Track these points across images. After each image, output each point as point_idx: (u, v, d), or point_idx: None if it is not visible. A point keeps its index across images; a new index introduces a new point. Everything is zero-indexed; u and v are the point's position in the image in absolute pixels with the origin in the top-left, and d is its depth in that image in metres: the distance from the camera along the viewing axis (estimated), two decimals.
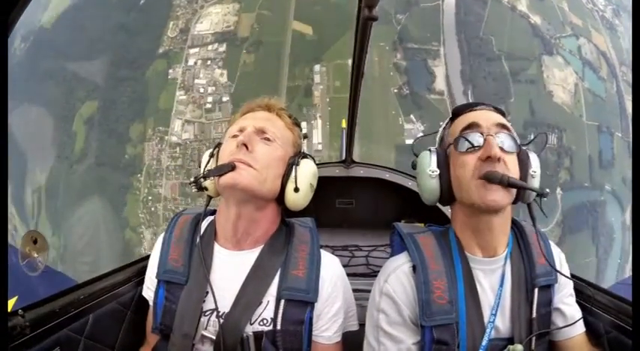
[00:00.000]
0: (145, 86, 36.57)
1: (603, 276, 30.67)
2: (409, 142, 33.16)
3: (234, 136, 1.76)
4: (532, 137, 1.87)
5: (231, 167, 1.62)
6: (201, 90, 36.48)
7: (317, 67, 36.30)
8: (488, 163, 1.58)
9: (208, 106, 35.98)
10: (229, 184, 1.63)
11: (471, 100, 32.99)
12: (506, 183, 1.53)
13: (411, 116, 34.47)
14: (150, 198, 34.45)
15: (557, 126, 33.24)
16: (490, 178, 1.54)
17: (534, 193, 1.66)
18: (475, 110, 1.77)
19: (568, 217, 31.47)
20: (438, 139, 1.91)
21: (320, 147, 33.85)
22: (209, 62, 37.02)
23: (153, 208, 34.48)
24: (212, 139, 34.73)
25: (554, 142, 32.74)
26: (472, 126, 1.68)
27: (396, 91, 35.24)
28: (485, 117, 1.71)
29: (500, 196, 1.56)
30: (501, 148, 1.60)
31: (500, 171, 1.56)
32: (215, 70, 36.81)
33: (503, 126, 1.68)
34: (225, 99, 35.92)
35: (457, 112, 1.82)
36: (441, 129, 1.90)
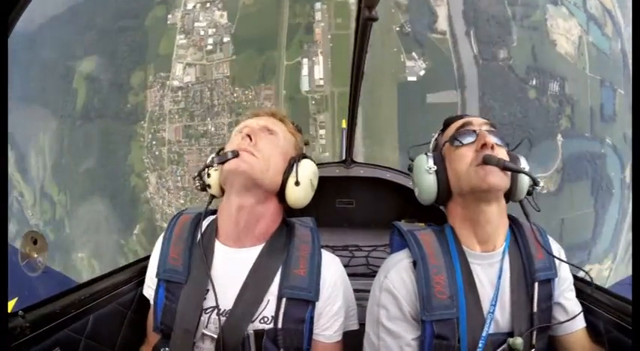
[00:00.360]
0: (144, 34, 35.91)
1: (601, 230, 30.90)
2: (411, 79, 33.31)
3: (240, 132, 1.78)
4: (518, 143, 1.90)
5: (234, 155, 1.65)
6: (202, 33, 35.90)
7: (318, 5, 35.52)
8: (483, 151, 1.64)
9: (209, 47, 35.54)
10: (232, 168, 1.65)
11: (473, 42, 32.85)
12: (502, 165, 1.59)
13: (413, 54, 33.99)
14: (154, 143, 34.61)
15: (559, 75, 32.57)
16: (488, 161, 1.60)
17: (525, 191, 1.74)
18: (465, 117, 1.84)
19: (568, 165, 31.40)
20: (431, 146, 1.96)
21: (322, 82, 33.87)
22: (208, 5, 36.20)
23: (157, 152, 34.71)
24: (214, 80, 34.69)
25: (555, 89, 32.26)
26: (465, 125, 1.77)
27: (397, 29, 34.49)
28: (476, 119, 1.80)
29: (499, 178, 1.61)
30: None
31: (498, 155, 1.63)
32: (215, 12, 36.00)
33: (492, 126, 1.78)
34: (226, 39, 35.43)
35: (448, 122, 1.89)
36: (433, 140, 1.97)
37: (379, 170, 3.51)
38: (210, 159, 1.80)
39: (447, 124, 1.89)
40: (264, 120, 1.85)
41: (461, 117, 1.85)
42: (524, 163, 1.75)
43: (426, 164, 1.77)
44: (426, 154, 1.82)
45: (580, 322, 1.75)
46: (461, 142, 1.71)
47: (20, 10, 0.99)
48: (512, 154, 1.76)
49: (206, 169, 1.78)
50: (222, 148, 1.82)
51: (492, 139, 1.66)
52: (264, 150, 1.71)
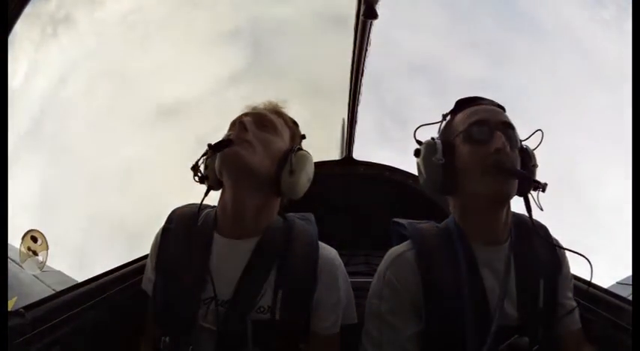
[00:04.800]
0: None
1: None
2: None
3: (234, 126, 1.76)
4: (530, 134, 1.76)
5: (229, 142, 1.62)
6: None
7: None
8: (495, 154, 1.55)
9: None
10: (227, 155, 1.62)
11: None
12: (514, 173, 1.53)
13: None
14: None
15: None
16: (500, 168, 1.52)
17: (531, 187, 1.64)
18: (480, 105, 1.73)
19: None
20: (440, 129, 1.84)
21: None
22: None
23: None
24: None
25: None
26: (480, 122, 1.64)
27: None
28: (492, 114, 1.68)
29: (508, 185, 1.55)
30: (507, 143, 1.57)
31: (508, 161, 1.54)
32: None
33: (508, 125, 1.66)
34: None
35: (461, 105, 1.78)
36: (443, 122, 1.85)
37: (379, 168, 3.51)
38: (206, 160, 1.75)
39: (460, 105, 1.79)
40: (259, 111, 1.81)
41: (476, 102, 1.76)
42: (534, 158, 1.67)
43: (434, 154, 1.67)
44: (434, 140, 1.73)
45: (577, 323, 1.71)
46: (473, 141, 1.62)
47: (20, 10, 0.99)
48: (524, 149, 1.68)
49: (202, 159, 1.73)
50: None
51: (507, 146, 1.56)
52: (259, 139, 1.67)
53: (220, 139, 1.68)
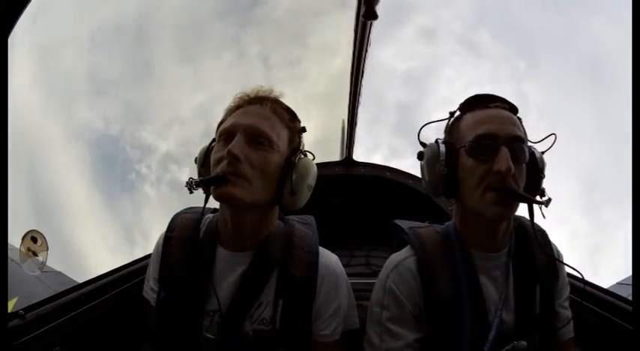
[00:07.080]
0: None
1: None
2: None
3: (225, 139, 1.59)
4: (542, 138, 1.67)
5: (221, 180, 1.50)
6: None
7: None
8: (498, 175, 1.47)
9: None
10: (221, 198, 1.53)
11: None
12: (515, 197, 1.48)
13: None
14: None
15: None
16: (499, 191, 1.47)
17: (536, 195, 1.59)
18: (490, 107, 1.62)
19: None
20: (446, 128, 1.74)
21: None
22: None
23: None
24: None
25: None
26: (487, 136, 1.54)
27: None
28: (501, 125, 1.56)
29: (508, 208, 1.51)
30: (513, 159, 1.48)
31: (510, 183, 1.47)
32: None
33: (517, 138, 1.54)
34: None
35: (470, 105, 1.68)
36: (451, 120, 1.74)
37: (379, 169, 3.51)
38: (199, 168, 1.68)
39: (469, 105, 1.68)
40: (252, 119, 1.61)
41: (487, 103, 1.64)
42: (542, 166, 1.60)
43: (437, 162, 1.60)
44: (438, 144, 1.64)
45: (571, 332, 1.71)
46: (477, 155, 1.54)
47: (20, 10, 0.99)
48: (532, 158, 1.59)
49: (191, 184, 1.52)
50: (209, 150, 1.66)
51: (512, 167, 1.46)
52: (254, 164, 1.54)
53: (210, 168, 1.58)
